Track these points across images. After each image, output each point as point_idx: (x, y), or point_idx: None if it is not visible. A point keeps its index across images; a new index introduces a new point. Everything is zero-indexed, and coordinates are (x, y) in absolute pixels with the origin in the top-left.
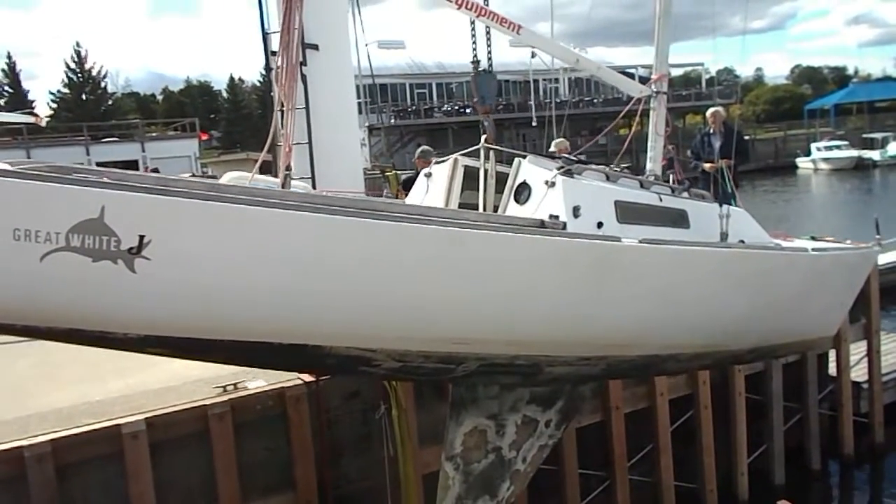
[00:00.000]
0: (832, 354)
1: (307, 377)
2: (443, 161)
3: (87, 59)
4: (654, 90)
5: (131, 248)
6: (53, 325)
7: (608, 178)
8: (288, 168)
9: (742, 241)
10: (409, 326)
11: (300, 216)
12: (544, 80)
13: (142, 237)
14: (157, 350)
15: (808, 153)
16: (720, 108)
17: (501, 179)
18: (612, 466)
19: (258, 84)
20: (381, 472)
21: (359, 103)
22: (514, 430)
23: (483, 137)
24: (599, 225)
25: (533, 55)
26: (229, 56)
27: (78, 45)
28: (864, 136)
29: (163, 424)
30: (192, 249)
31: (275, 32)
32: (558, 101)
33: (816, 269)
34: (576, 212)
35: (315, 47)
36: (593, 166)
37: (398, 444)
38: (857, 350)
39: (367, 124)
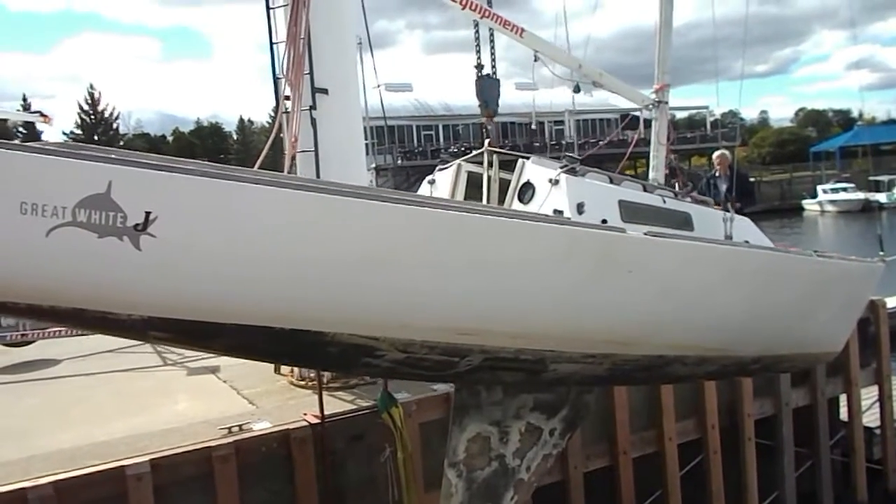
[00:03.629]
0: (843, 399)
1: (312, 419)
2: (446, 168)
3: (100, 102)
4: (656, 99)
5: (137, 225)
6: (57, 305)
7: (611, 181)
8: (293, 159)
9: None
10: (413, 313)
11: (308, 196)
12: (549, 122)
13: (148, 214)
14: (160, 335)
15: (814, 195)
16: (726, 152)
17: (504, 187)
18: None
19: (267, 125)
20: None
21: (366, 144)
22: (518, 437)
23: (486, 141)
24: (603, 223)
25: (536, 58)
26: (239, 98)
27: (92, 87)
28: (871, 178)
29: (167, 466)
30: (197, 228)
31: (284, 78)
32: (563, 142)
33: (822, 275)
34: (580, 208)
35: (325, 91)
36: (596, 170)
37: (403, 487)
38: (869, 395)
39: (374, 165)
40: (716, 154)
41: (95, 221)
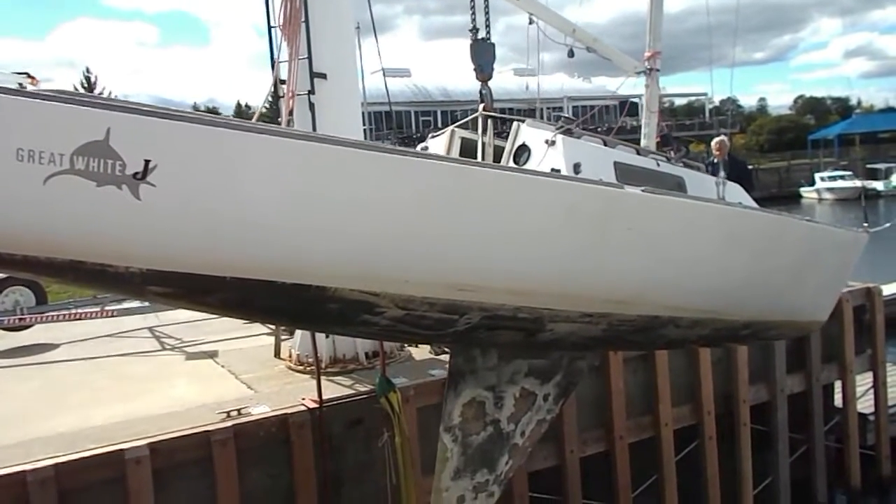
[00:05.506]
0: (838, 385)
1: (310, 403)
2: (439, 134)
3: (96, 85)
4: (647, 66)
5: (136, 174)
6: (54, 256)
7: (606, 144)
8: (290, 113)
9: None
10: (414, 267)
11: (310, 146)
12: (548, 108)
13: (147, 162)
14: (158, 290)
15: (811, 183)
16: (725, 138)
17: (498, 155)
18: (617, 497)
19: (265, 111)
20: (384, 500)
21: (364, 130)
22: (513, 402)
23: (481, 106)
24: None
25: (531, 21)
26: (236, 83)
27: (88, 71)
28: (868, 166)
29: (166, 450)
30: (198, 177)
31: (284, 62)
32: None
33: (811, 240)
34: (576, 168)
35: (323, 76)
36: (590, 133)
37: (400, 472)
38: (863, 382)
39: None
40: (715, 140)
41: (94, 169)
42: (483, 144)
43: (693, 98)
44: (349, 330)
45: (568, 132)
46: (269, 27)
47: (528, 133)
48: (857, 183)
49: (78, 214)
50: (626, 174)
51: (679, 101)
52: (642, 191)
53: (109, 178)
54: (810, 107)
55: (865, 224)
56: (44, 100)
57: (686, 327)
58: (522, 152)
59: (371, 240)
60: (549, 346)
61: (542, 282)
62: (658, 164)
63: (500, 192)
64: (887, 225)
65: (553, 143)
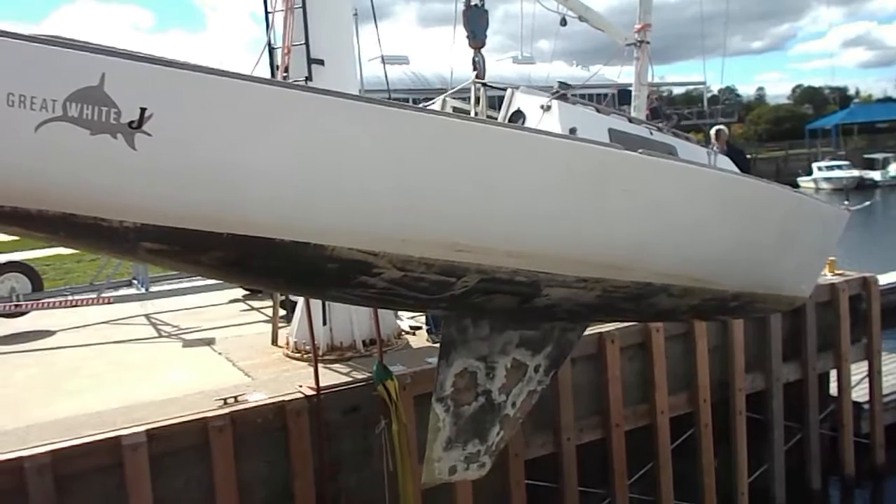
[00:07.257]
0: (833, 374)
1: (307, 391)
2: (429, 104)
3: None
4: (638, 39)
5: (132, 122)
6: (45, 209)
7: (598, 112)
8: (286, 70)
9: None
10: (412, 226)
11: (312, 98)
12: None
13: (143, 110)
14: (152, 246)
15: (809, 173)
16: (724, 128)
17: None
18: (613, 484)
19: None
20: (381, 488)
21: None
22: (504, 373)
23: (473, 74)
24: None
25: None
26: (232, 68)
27: None
28: (866, 156)
29: (163, 437)
30: (196, 127)
31: (279, 47)
32: None
33: (799, 210)
34: (572, 133)
35: (321, 62)
36: (583, 101)
37: (398, 459)
38: (858, 370)
39: None
40: (714, 129)
41: (87, 117)
42: (476, 114)
43: (691, 87)
44: (345, 293)
45: (563, 97)
46: (266, 12)
47: (523, 99)
48: (855, 173)
49: (70, 164)
50: (620, 141)
51: (677, 91)
52: (640, 152)
53: (104, 126)
54: (809, 96)
55: (846, 202)
56: (36, 43)
57: (677, 296)
58: (517, 118)
59: (370, 197)
60: (543, 312)
61: (539, 243)
62: (651, 133)
63: (500, 151)
64: (867, 203)
65: (548, 108)
